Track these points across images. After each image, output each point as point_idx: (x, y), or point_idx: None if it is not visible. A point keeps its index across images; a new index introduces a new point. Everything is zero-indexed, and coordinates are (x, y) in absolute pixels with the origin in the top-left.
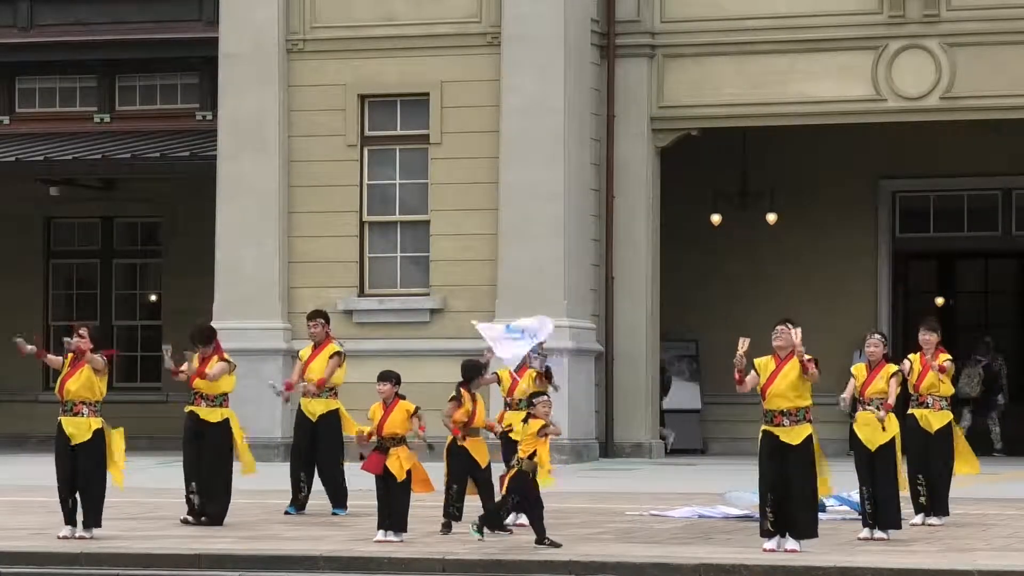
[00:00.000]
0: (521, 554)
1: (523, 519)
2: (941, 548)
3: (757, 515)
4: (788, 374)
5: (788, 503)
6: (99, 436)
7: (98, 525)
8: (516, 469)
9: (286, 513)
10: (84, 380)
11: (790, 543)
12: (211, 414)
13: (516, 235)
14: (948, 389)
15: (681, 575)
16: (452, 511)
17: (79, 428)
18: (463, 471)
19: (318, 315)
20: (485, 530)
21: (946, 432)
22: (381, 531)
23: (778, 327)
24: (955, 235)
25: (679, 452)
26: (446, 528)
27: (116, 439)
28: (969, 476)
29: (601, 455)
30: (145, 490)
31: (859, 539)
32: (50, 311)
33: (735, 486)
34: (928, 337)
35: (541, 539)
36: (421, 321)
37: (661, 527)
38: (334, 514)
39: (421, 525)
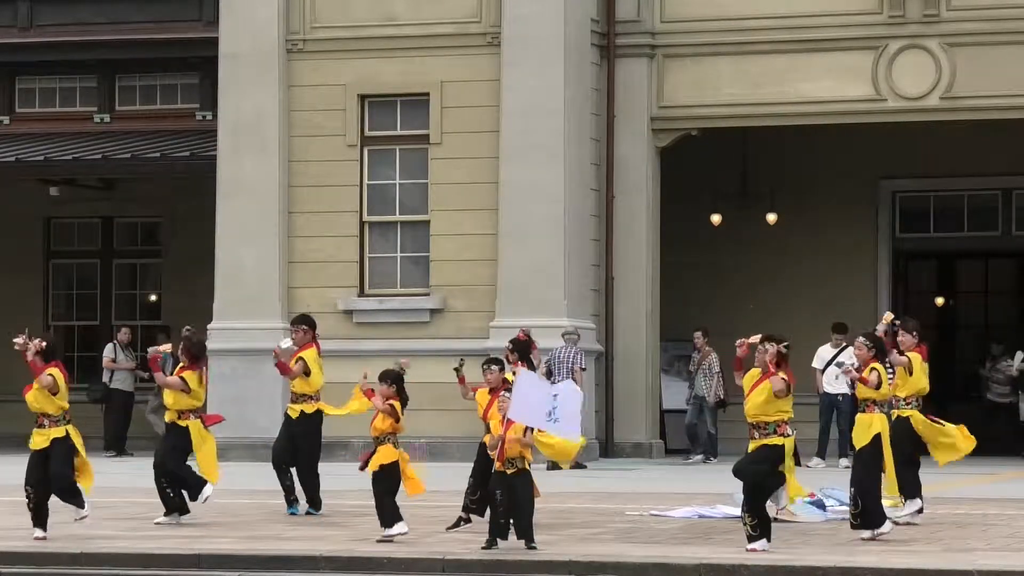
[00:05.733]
0: (521, 554)
1: None
2: (941, 548)
3: None
4: (760, 392)
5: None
6: (59, 443)
7: (81, 506)
8: (496, 469)
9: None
10: (37, 395)
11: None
12: (174, 417)
13: (516, 235)
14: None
15: (681, 575)
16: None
17: (40, 437)
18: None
19: (301, 320)
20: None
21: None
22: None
23: (760, 346)
24: (955, 235)
25: (679, 452)
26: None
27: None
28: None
29: (601, 455)
30: (145, 490)
31: (861, 539)
32: (50, 311)
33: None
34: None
35: (519, 537)
36: (421, 321)
37: (661, 527)
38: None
39: (421, 525)
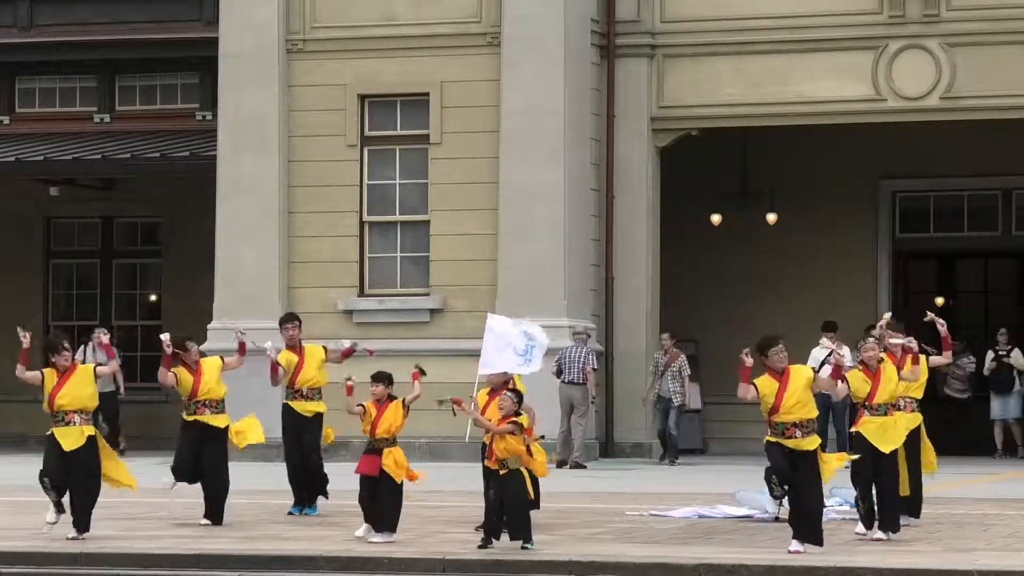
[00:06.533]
0: (521, 554)
1: None
2: (941, 548)
3: (758, 515)
4: (793, 390)
5: (797, 507)
6: (93, 443)
7: (86, 530)
8: (493, 467)
9: (289, 513)
10: (75, 392)
11: (794, 544)
12: (216, 420)
13: (516, 235)
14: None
15: (681, 575)
16: None
17: (71, 436)
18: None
19: (295, 317)
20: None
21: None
22: (365, 526)
23: (775, 347)
24: (955, 235)
25: (680, 452)
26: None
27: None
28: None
29: (601, 455)
30: (145, 490)
31: (865, 538)
32: (50, 311)
33: (744, 486)
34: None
35: (512, 538)
36: (421, 321)
37: (661, 527)
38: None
39: (421, 525)
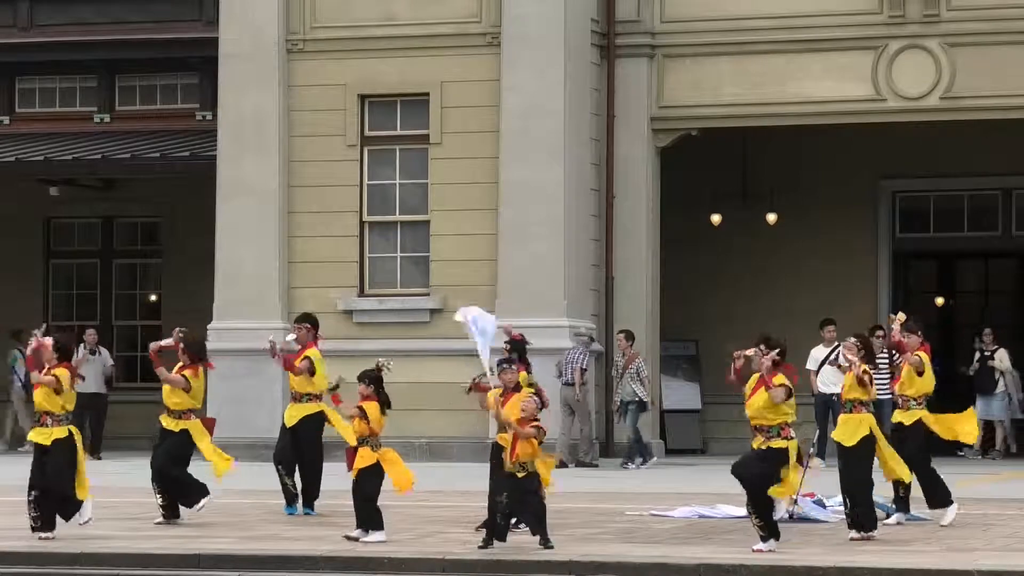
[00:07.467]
0: (521, 554)
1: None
2: (941, 548)
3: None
4: (760, 395)
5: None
6: (61, 443)
7: (82, 517)
8: (504, 469)
9: (289, 514)
10: (44, 393)
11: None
12: (171, 424)
13: (516, 235)
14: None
15: (681, 575)
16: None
17: (41, 436)
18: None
19: (305, 319)
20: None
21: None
22: (359, 531)
23: (756, 348)
24: (955, 235)
25: (679, 452)
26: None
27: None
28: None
29: (601, 455)
30: (144, 490)
31: (850, 539)
32: (50, 311)
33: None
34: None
35: (541, 543)
36: (421, 321)
37: (661, 527)
38: (306, 514)
39: (421, 525)
